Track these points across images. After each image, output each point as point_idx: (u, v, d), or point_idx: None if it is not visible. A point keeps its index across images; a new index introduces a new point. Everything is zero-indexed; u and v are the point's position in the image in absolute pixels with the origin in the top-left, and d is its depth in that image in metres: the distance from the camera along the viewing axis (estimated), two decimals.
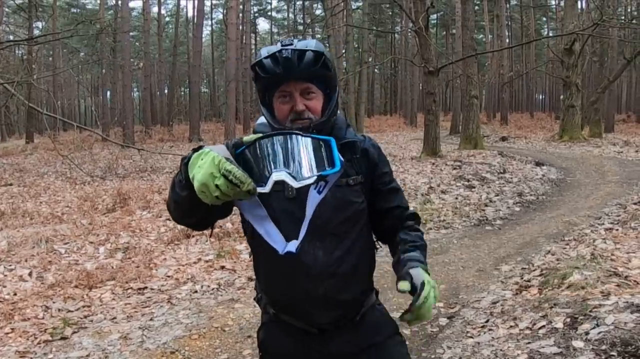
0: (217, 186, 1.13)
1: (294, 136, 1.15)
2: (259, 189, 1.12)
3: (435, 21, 41.66)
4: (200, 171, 1.15)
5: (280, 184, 1.12)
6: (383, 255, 1.86)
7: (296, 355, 1.65)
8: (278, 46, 1.48)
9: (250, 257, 1.71)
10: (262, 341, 1.73)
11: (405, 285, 1.43)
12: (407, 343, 3.63)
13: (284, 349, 1.66)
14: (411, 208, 1.71)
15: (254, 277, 1.73)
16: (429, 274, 1.50)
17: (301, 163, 1.14)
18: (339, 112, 1.68)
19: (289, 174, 1.12)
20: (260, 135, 1.19)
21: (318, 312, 1.57)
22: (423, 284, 1.43)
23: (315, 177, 1.13)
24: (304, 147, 1.15)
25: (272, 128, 1.53)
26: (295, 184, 1.12)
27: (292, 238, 1.38)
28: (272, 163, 1.13)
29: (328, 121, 1.54)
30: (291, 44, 1.47)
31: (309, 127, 1.47)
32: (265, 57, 1.47)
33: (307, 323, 1.60)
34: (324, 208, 1.44)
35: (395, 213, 1.67)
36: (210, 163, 1.15)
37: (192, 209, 1.33)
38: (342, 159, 1.20)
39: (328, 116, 1.54)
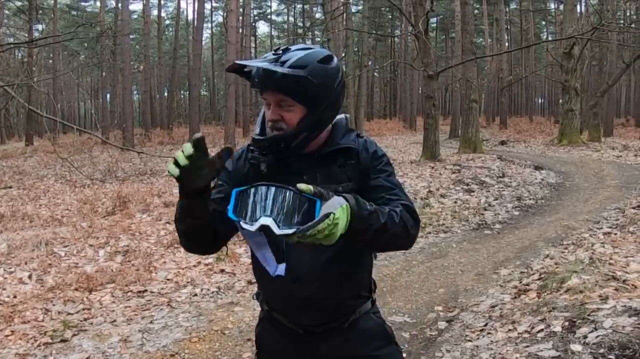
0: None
1: (288, 191, 1.31)
2: (247, 227, 1.31)
3: (434, 25, 41.73)
4: None
5: (265, 227, 1.29)
6: (381, 259, 1.87)
7: (289, 354, 1.67)
8: (270, 53, 1.52)
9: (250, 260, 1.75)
10: (257, 337, 1.78)
11: (307, 189, 1.29)
12: (405, 346, 3.63)
13: (278, 346, 1.69)
14: (411, 204, 1.58)
15: (253, 280, 1.77)
16: (351, 213, 1.32)
17: (286, 215, 1.30)
18: (344, 117, 1.69)
19: (275, 221, 1.29)
20: (262, 183, 1.34)
21: (302, 313, 1.60)
22: (326, 216, 1.26)
23: (294, 230, 1.28)
24: (293, 202, 1.31)
25: (262, 128, 1.60)
26: (277, 232, 1.28)
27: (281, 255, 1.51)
28: (263, 208, 1.31)
29: (297, 134, 1.52)
30: (278, 54, 1.49)
31: (281, 138, 1.53)
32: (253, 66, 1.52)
33: (293, 323, 1.63)
34: None
35: (377, 204, 1.49)
36: None
37: (197, 236, 1.56)
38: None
39: (299, 130, 1.52)
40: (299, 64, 1.47)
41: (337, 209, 1.29)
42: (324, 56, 1.52)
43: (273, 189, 1.31)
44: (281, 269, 1.48)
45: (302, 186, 1.29)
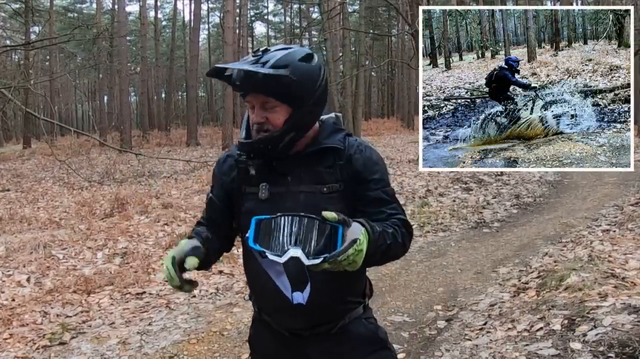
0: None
1: (311, 219, 1.30)
2: (275, 258, 1.29)
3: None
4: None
5: (295, 259, 1.27)
6: None
7: (279, 357, 1.67)
8: (250, 55, 1.51)
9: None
10: (250, 339, 1.78)
11: (331, 216, 1.31)
12: (405, 345, 3.62)
13: (269, 349, 1.69)
14: (406, 216, 1.60)
15: None
16: (369, 238, 1.35)
17: (312, 244, 1.29)
18: (333, 116, 1.68)
19: (303, 251, 1.27)
20: (284, 213, 1.33)
21: (289, 317, 1.59)
22: (354, 241, 1.29)
23: (322, 259, 1.27)
24: (316, 230, 1.30)
25: (247, 131, 1.59)
26: (307, 262, 1.27)
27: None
28: (288, 238, 1.29)
29: (284, 134, 1.52)
30: (259, 55, 1.49)
31: (268, 140, 1.52)
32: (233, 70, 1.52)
33: (279, 325, 1.63)
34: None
35: (378, 218, 1.52)
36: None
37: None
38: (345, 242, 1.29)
39: (285, 130, 1.51)
40: (281, 63, 1.47)
41: (361, 234, 1.30)
42: (304, 54, 1.52)
43: (297, 219, 1.30)
44: (299, 297, 1.53)
45: (327, 214, 1.30)
